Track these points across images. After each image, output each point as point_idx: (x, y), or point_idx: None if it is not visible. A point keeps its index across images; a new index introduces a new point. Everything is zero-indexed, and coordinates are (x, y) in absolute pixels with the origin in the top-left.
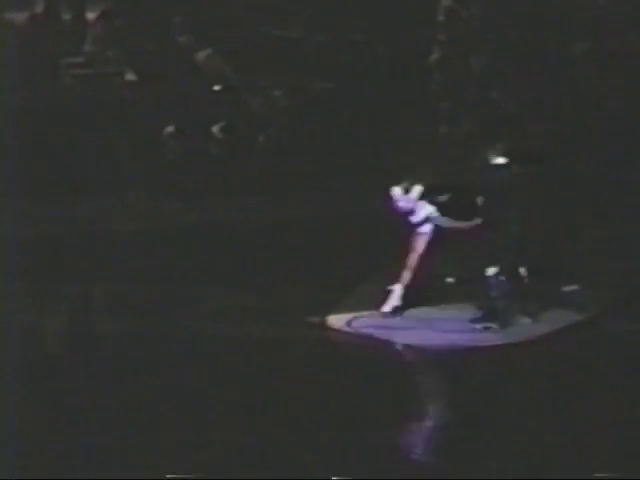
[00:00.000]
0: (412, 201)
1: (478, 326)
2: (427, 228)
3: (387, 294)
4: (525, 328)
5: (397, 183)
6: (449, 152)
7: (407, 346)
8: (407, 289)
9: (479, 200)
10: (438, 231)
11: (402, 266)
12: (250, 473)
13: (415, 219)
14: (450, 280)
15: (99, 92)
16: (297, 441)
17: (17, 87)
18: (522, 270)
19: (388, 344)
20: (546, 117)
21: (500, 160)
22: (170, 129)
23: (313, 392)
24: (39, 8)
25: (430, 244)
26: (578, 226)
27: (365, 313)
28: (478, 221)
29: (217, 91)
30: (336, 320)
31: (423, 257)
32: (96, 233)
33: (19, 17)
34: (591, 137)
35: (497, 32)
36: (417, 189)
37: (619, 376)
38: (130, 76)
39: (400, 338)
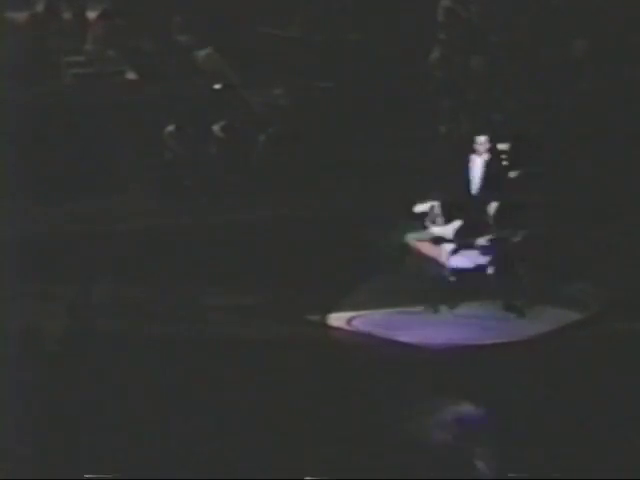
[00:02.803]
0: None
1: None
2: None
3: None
4: (525, 327)
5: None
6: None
7: (407, 345)
8: None
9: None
10: None
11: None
12: (250, 472)
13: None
14: (450, 280)
15: (99, 92)
16: (297, 440)
17: (17, 87)
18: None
19: (388, 343)
20: (546, 117)
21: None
22: (170, 129)
23: (313, 391)
24: (39, 8)
25: None
26: (578, 226)
27: (365, 312)
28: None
29: (217, 91)
30: (336, 319)
31: None
32: (96, 233)
33: (19, 17)
34: (591, 137)
35: (497, 32)
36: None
37: (619, 376)
38: (130, 76)
39: (400, 337)
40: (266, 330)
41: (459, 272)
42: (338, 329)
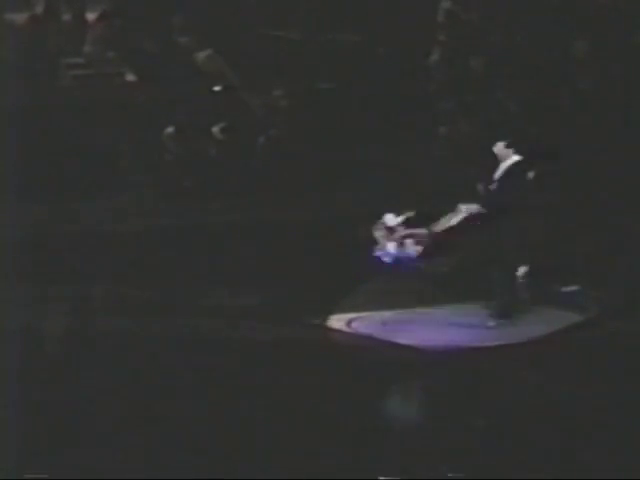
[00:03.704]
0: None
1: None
2: None
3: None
4: (525, 328)
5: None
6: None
7: (407, 346)
8: None
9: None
10: None
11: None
12: (249, 473)
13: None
14: (450, 280)
15: (99, 92)
16: (297, 440)
17: (17, 88)
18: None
19: (388, 345)
20: (546, 117)
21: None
22: (170, 129)
23: (313, 392)
24: (39, 8)
25: None
26: (578, 226)
27: (365, 314)
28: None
29: (217, 92)
30: (336, 320)
31: None
32: (96, 233)
33: (19, 17)
34: (591, 137)
35: (497, 33)
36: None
37: (619, 376)
38: (130, 76)
39: (400, 338)
40: (266, 332)
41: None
42: (338, 331)
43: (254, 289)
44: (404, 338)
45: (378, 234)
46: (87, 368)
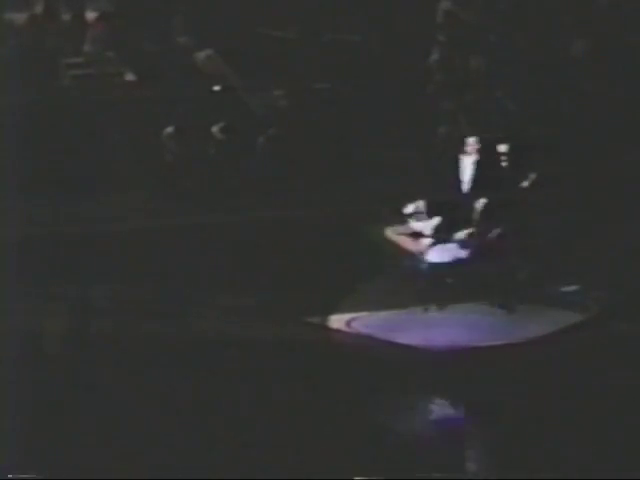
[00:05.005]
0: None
1: None
2: None
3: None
4: (525, 328)
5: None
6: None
7: (407, 347)
8: None
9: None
10: None
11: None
12: (249, 473)
13: None
14: (450, 280)
15: (99, 92)
16: (297, 441)
17: (17, 88)
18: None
19: (388, 345)
20: (546, 117)
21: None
22: (170, 129)
23: (313, 393)
24: (39, 8)
25: None
26: (578, 226)
27: (365, 314)
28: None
29: (217, 91)
30: (336, 320)
31: None
32: (96, 233)
33: (19, 17)
34: (591, 137)
35: (496, 33)
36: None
37: (619, 376)
38: (129, 77)
39: (400, 338)
40: (266, 331)
41: (437, 266)
42: (338, 331)
43: (254, 289)
44: (404, 338)
45: (401, 238)
46: (86, 369)
